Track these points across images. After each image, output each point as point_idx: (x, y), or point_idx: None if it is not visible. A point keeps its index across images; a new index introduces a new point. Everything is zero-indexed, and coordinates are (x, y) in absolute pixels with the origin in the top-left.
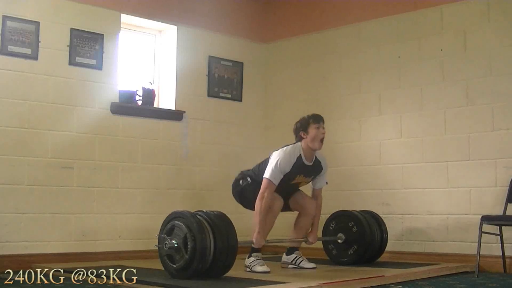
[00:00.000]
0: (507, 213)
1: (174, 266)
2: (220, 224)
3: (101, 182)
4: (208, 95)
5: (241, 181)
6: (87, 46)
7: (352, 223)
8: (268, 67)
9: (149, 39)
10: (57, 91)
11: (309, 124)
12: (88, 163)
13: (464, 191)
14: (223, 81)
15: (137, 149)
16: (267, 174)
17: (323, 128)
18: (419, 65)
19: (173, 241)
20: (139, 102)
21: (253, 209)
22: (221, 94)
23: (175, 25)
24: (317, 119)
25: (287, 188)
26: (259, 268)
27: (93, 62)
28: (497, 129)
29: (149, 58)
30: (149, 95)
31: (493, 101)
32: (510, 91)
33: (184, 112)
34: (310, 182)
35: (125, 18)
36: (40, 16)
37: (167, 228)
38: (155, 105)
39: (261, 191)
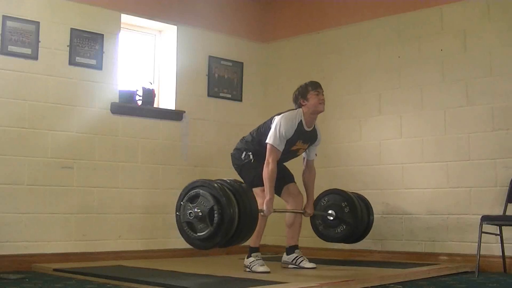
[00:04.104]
0: (507, 213)
1: (196, 235)
2: (245, 198)
3: (101, 182)
4: (208, 95)
5: (243, 155)
6: (87, 46)
7: (346, 203)
8: (268, 67)
9: (149, 39)
10: (57, 91)
11: (308, 91)
12: (88, 163)
13: (464, 191)
14: (223, 81)
15: (137, 149)
16: (270, 139)
17: (322, 94)
18: (419, 65)
19: (197, 209)
20: (139, 102)
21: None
22: (221, 94)
23: (175, 25)
24: (315, 85)
25: (287, 156)
26: (259, 268)
27: (93, 62)
28: (497, 129)
29: (149, 58)
30: (149, 95)
31: (493, 101)
32: (510, 91)
33: (184, 112)
34: (303, 153)
35: (125, 18)
36: (40, 16)
37: (190, 195)
38: (155, 105)
39: (266, 157)
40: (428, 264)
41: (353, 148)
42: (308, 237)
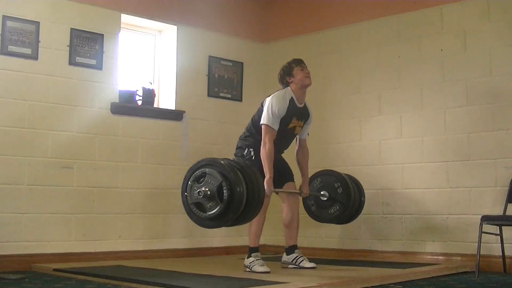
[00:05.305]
0: (507, 213)
1: (206, 214)
2: (251, 174)
3: (101, 182)
4: (208, 95)
5: (245, 151)
6: (87, 46)
7: (338, 183)
8: (268, 67)
9: (149, 39)
10: (57, 91)
11: (292, 68)
12: (88, 163)
13: (464, 191)
14: (223, 81)
15: (137, 149)
16: (264, 120)
17: (307, 68)
18: (419, 65)
19: (205, 188)
20: (139, 102)
21: None
22: (221, 94)
23: (175, 25)
24: (298, 61)
25: (286, 136)
26: (259, 268)
27: (93, 62)
28: (497, 129)
29: (149, 58)
30: (149, 95)
31: (493, 101)
32: (510, 91)
33: (184, 112)
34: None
35: (125, 18)
36: (40, 16)
37: (196, 175)
38: (155, 105)
39: (262, 138)
40: (428, 264)
41: (353, 148)
42: (308, 237)
